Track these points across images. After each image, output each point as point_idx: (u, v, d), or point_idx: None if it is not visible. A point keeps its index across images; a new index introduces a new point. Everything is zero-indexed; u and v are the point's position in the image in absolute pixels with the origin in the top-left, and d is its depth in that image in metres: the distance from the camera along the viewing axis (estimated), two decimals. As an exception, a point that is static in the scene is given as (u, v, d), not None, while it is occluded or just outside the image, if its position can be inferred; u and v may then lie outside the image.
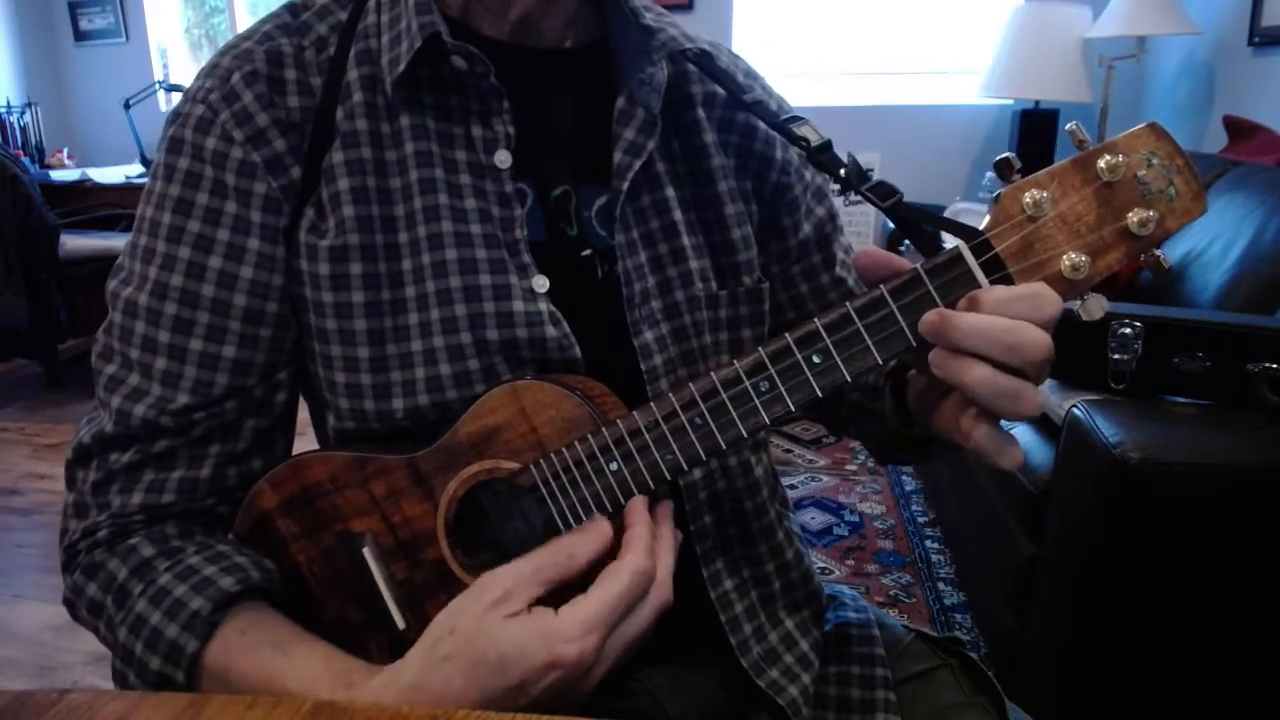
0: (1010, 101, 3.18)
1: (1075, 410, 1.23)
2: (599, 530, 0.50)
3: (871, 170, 3.30)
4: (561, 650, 0.45)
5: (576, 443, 0.51)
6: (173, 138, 0.57)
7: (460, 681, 0.46)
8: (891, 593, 1.91)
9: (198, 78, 0.58)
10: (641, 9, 0.63)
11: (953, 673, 0.70)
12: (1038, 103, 3.04)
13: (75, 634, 1.85)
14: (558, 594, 0.48)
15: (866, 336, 0.47)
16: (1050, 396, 1.40)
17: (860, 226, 3.14)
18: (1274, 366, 1.09)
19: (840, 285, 0.73)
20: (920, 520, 2.22)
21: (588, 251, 0.62)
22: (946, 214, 2.44)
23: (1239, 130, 2.36)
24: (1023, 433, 1.47)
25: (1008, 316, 0.44)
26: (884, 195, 0.52)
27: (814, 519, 2.25)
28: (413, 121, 0.58)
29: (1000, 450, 0.47)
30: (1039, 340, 0.44)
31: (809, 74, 3.57)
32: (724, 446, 0.50)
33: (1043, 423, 1.46)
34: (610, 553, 0.50)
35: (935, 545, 2.10)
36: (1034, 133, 3.02)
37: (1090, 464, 1.15)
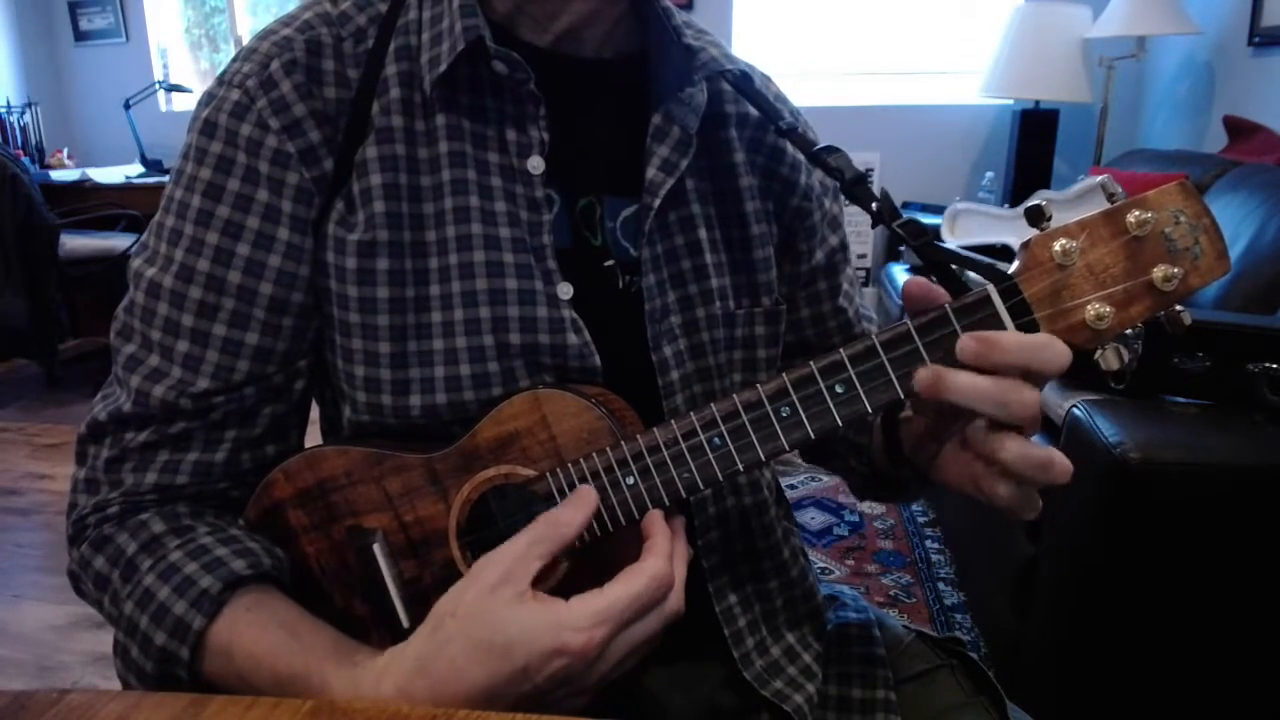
0: (1010, 101, 3.18)
1: (1075, 410, 1.23)
2: (586, 497, 0.51)
3: (871, 170, 3.28)
4: (568, 638, 0.45)
5: (595, 455, 0.52)
6: (206, 120, 0.57)
7: (464, 662, 0.46)
8: (891, 593, 1.91)
9: (234, 60, 0.58)
10: (683, 26, 0.63)
11: (953, 673, 0.70)
12: (1038, 103, 3.04)
13: (75, 634, 1.86)
14: (573, 590, 0.48)
15: (890, 370, 0.47)
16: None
17: (860, 226, 3.14)
18: (1274, 366, 1.09)
19: (840, 315, 0.73)
20: (920, 520, 2.22)
21: (610, 262, 0.62)
22: (946, 213, 2.42)
23: (1239, 130, 2.36)
24: (1023, 433, 1.47)
25: (1018, 361, 0.44)
26: (914, 234, 0.52)
27: (814, 519, 2.25)
28: (448, 121, 0.58)
29: (1026, 506, 0.48)
30: (1027, 401, 0.44)
31: (809, 74, 3.57)
32: (741, 469, 0.50)
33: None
34: (625, 557, 0.50)
35: (935, 545, 2.10)
36: (1034, 133, 3.02)
37: (1090, 464, 1.15)
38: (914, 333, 0.47)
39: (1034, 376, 0.45)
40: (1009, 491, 0.47)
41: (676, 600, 0.49)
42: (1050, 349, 0.44)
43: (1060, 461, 0.45)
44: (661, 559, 0.49)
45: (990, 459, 0.47)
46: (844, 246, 0.73)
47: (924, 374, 0.46)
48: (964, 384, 0.45)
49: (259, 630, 0.52)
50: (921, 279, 0.49)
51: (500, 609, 0.47)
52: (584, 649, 0.46)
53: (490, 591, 0.48)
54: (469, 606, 0.48)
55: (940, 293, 0.49)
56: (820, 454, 0.77)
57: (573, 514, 0.50)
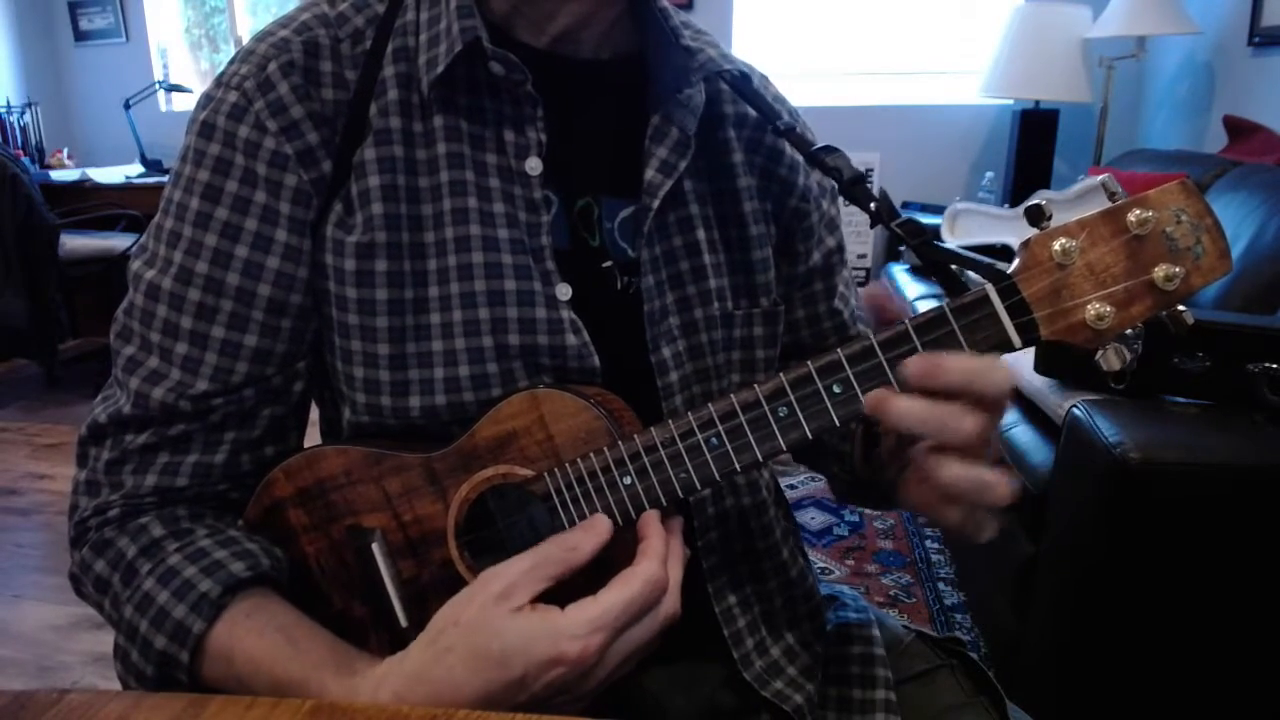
0: (1010, 101, 3.18)
1: (1075, 410, 1.23)
2: (598, 526, 0.51)
3: (871, 170, 3.28)
4: (565, 647, 0.45)
5: (592, 454, 0.52)
6: (204, 122, 0.57)
7: (462, 672, 0.47)
8: (891, 593, 1.91)
9: (231, 62, 0.58)
10: (681, 27, 0.63)
11: (953, 673, 0.70)
12: (1038, 103, 3.04)
13: (75, 634, 1.86)
14: (570, 596, 0.48)
15: (888, 370, 0.47)
16: (1051, 396, 1.40)
17: (860, 226, 3.15)
18: (1274, 366, 1.09)
19: (836, 316, 0.73)
20: (920, 520, 2.22)
21: (608, 263, 0.62)
22: (946, 213, 2.43)
23: (1239, 130, 2.36)
24: (1023, 433, 1.47)
25: (961, 382, 0.45)
26: (913, 233, 0.52)
27: (814, 519, 2.25)
28: (446, 122, 0.58)
29: (977, 529, 0.48)
30: (965, 427, 0.45)
31: (809, 74, 3.57)
32: (738, 469, 0.50)
33: (1043, 423, 1.46)
34: (621, 558, 0.50)
35: (935, 545, 2.10)
36: (1034, 133, 3.02)
37: (1090, 464, 1.15)
38: (912, 333, 0.47)
39: (980, 398, 0.45)
40: (957, 515, 0.48)
41: (672, 603, 0.49)
42: (993, 372, 0.45)
43: (1000, 485, 0.46)
44: (655, 562, 0.49)
45: (932, 481, 0.47)
46: (840, 248, 0.73)
47: (872, 396, 0.46)
48: (903, 408, 0.45)
49: (257, 636, 0.52)
50: (880, 289, 0.51)
51: (498, 620, 0.47)
52: (581, 657, 0.46)
53: (492, 603, 0.48)
54: (471, 617, 0.48)
55: (898, 305, 0.50)
56: (807, 455, 0.77)
57: (583, 539, 0.50)
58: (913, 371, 0.45)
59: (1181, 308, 0.46)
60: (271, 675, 0.51)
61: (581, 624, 0.46)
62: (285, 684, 0.50)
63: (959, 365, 0.45)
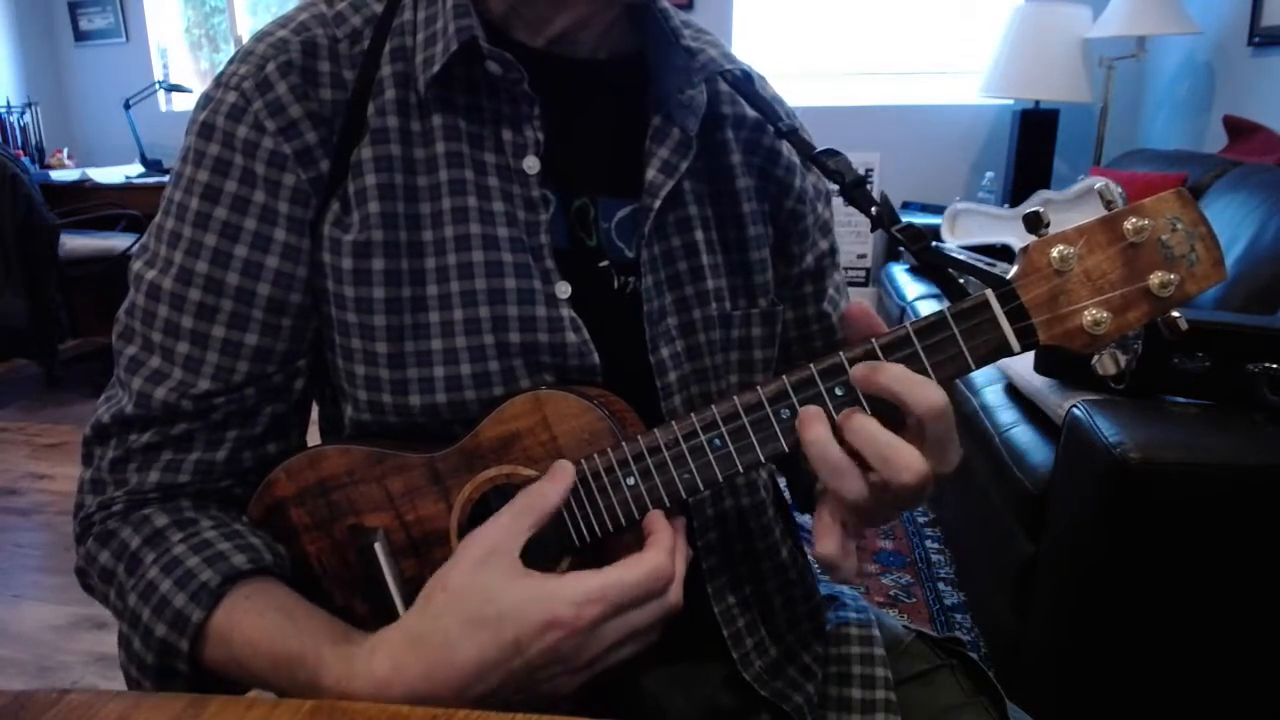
0: (1010, 101, 3.18)
1: (1075, 410, 1.23)
2: (564, 469, 0.52)
3: (871, 170, 3.27)
4: (560, 611, 0.46)
5: (595, 455, 0.52)
6: (203, 123, 0.57)
7: (455, 635, 0.47)
8: (891, 593, 1.91)
9: (230, 62, 0.58)
10: (681, 27, 0.63)
11: (953, 673, 0.70)
12: (1038, 103, 3.04)
13: (75, 634, 1.86)
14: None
15: None
16: (1051, 396, 1.40)
17: (860, 226, 3.15)
18: (1274, 366, 1.09)
19: (824, 319, 0.73)
20: (920, 520, 2.22)
21: (605, 263, 0.62)
22: (946, 213, 2.43)
23: (1239, 130, 2.37)
24: (1023, 433, 1.47)
25: (895, 388, 0.46)
26: (913, 238, 0.53)
27: (814, 519, 2.25)
28: (444, 121, 0.58)
29: (840, 569, 0.49)
30: (912, 463, 0.45)
31: (809, 74, 3.57)
32: (741, 470, 0.50)
33: (1043, 423, 1.46)
34: (630, 545, 0.50)
35: (935, 545, 2.10)
36: (1034, 133, 3.02)
37: (1090, 464, 1.15)
38: (913, 336, 0.47)
39: (910, 414, 0.46)
40: (835, 543, 0.49)
41: (676, 594, 0.50)
42: (924, 388, 0.46)
43: (907, 460, 0.45)
44: (663, 552, 0.49)
45: (848, 435, 0.47)
46: (833, 251, 0.74)
47: (844, 414, 0.48)
48: (861, 425, 0.47)
49: (256, 616, 0.53)
50: (865, 305, 0.52)
51: (490, 581, 0.48)
52: (574, 623, 0.46)
53: (479, 565, 0.48)
54: (458, 581, 0.48)
55: (879, 323, 0.51)
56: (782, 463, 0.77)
57: (552, 485, 0.51)
58: (859, 372, 0.47)
59: (1176, 313, 0.47)
60: (270, 651, 0.51)
61: (579, 592, 0.47)
62: (283, 659, 0.51)
63: (895, 370, 0.46)
